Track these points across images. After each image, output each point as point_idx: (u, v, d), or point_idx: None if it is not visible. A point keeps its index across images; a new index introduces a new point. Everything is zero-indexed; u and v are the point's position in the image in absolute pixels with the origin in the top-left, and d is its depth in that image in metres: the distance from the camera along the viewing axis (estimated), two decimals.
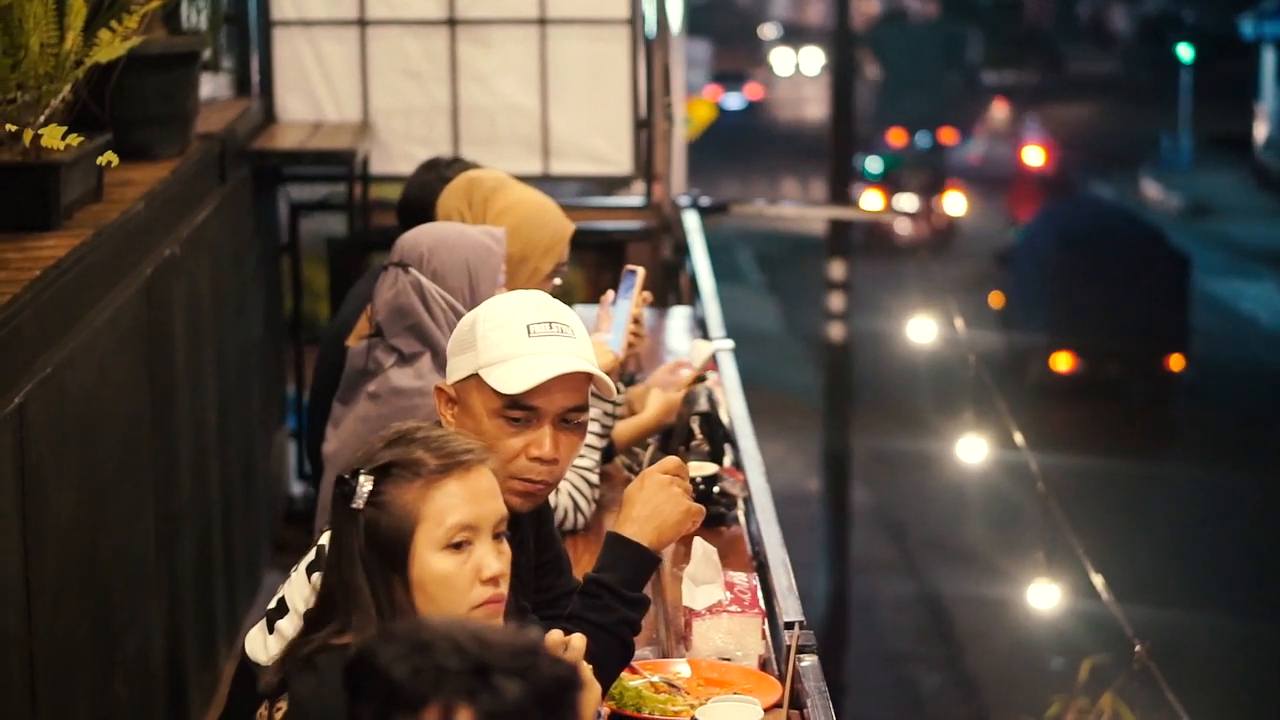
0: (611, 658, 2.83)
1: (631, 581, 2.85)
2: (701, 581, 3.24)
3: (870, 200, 24.73)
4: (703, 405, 4.16)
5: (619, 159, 6.88)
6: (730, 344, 4.80)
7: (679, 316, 5.88)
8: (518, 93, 6.78)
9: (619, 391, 4.06)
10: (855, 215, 19.84)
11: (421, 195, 4.40)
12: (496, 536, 2.50)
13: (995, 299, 21.16)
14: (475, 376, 2.83)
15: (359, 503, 2.46)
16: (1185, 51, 31.84)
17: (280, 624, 2.75)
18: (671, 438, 4.20)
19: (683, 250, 6.83)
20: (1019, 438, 7.14)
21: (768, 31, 45.75)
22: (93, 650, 3.52)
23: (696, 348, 4.58)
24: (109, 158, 3.79)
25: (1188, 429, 17.78)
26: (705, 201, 7.32)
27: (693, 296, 6.14)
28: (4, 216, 3.62)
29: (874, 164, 26.50)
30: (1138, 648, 5.61)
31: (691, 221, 6.98)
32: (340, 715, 1.84)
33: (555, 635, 2.53)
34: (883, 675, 12.46)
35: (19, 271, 3.28)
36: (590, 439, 3.80)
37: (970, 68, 39.38)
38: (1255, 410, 17.64)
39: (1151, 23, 41.13)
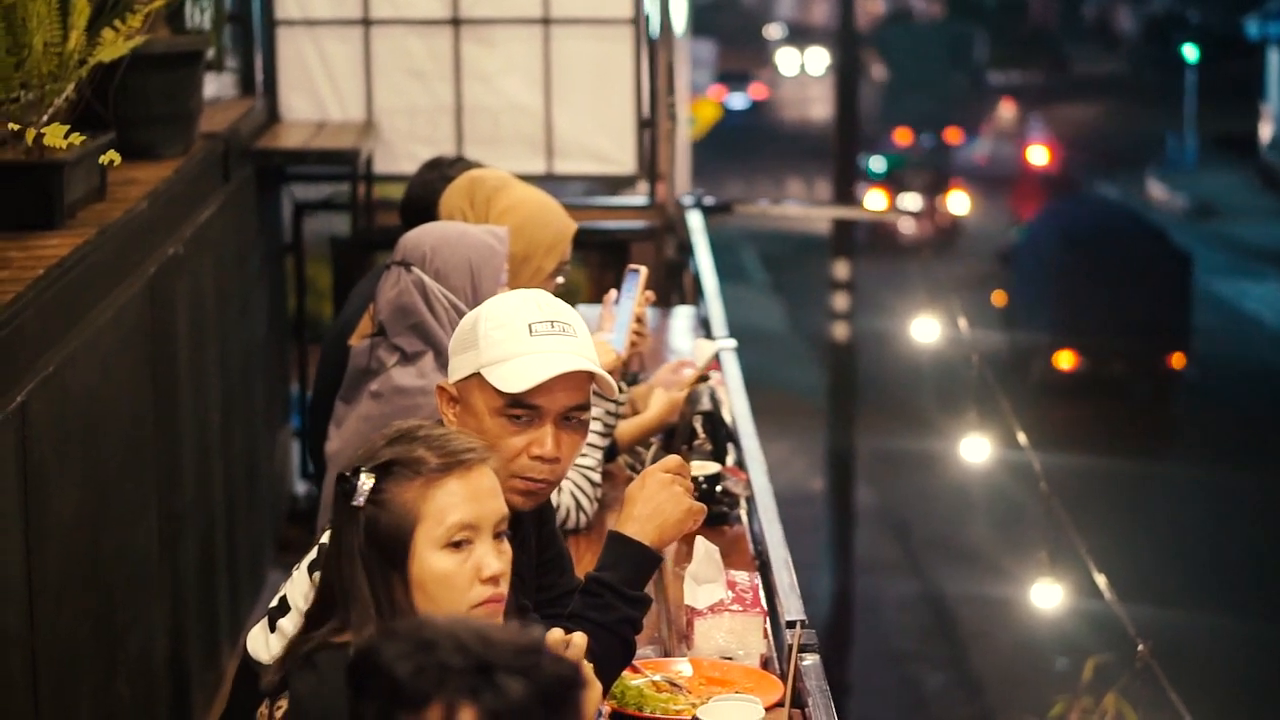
0: (613, 656, 2.82)
1: (633, 580, 2.85)
2: (703, 580, 3.24)
3: (874, 200, 24.71)
4: (705, 404, 4.16)
5: (623, 159, 6.87)
6: (733, 343, 4.80)
7: (682, 316, 5.89)
8: (521, 92, 6.78)
9: (621, 390, 4.05)
10: (859, 215, 19.86)
11: (424, 194, 4.40)
12: (497, 536, 2.49)
13: (998, 298, 21.15)
14: (477, 375, 2.83)
15: (359, 500, 2.45)
16: (1190, 52, 31.78)
17: (282, 622, 2.75)
18: (674, 437, 4.20)
19: (686, 250, 6.84)
20: (1022, 437, 7.13)
21: (773, 31, 45.74)
22: (95, 649, 3.52)
23: (699, 347, 4.59)
24: (112, 157, 3.79)
25: (1190, 429, 17.77)
26: (709, 201, 7.32)
27: (696, 296, 6.14)
28: (7, 215, 3.62)
29: (878, 163, 26.48)
30: (1140, 647, 5.61)
31: (695, 221, 6.99)
32: (340, 713, 1.84)
33: (556, 634, 2.53)
34: (886, 675, 12.46)
35: (22, 270, 3.28)
36: (593, 438, 3.80)
37: (975, 68, 39.35)
38: (1258, 410, 17.64)
39: (1157, 23, 41.11)
